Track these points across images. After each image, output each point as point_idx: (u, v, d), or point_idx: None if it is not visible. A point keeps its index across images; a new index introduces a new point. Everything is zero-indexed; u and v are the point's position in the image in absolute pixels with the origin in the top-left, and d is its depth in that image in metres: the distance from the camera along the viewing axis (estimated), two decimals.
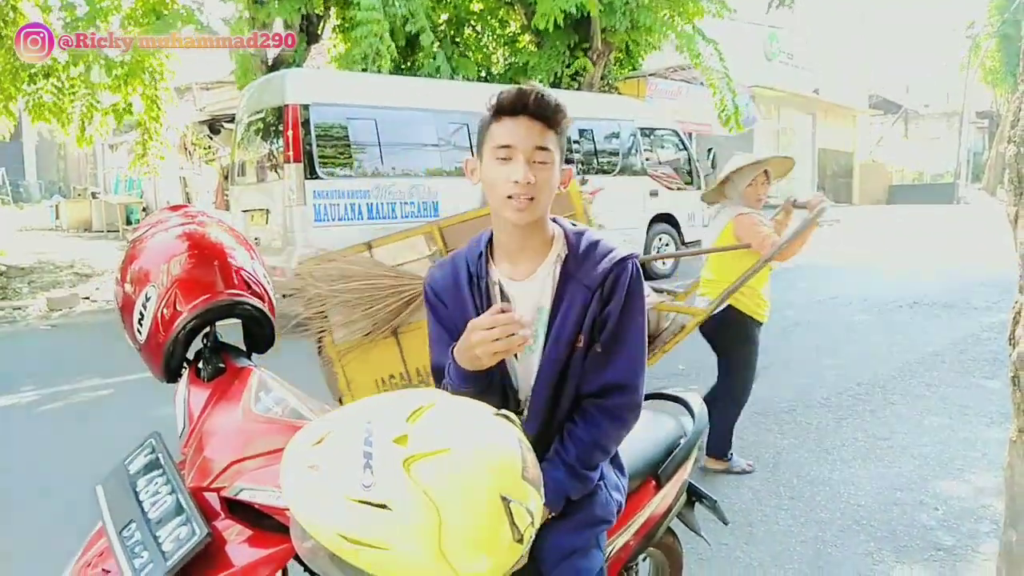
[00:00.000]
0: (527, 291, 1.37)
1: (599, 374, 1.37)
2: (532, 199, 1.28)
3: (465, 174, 1.39)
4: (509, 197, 1.28)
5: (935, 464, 3.52)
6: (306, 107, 7.02)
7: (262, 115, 7.58)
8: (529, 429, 1.33)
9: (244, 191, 8.07)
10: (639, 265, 1.38)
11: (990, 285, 8.34)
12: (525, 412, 1.41)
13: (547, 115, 1.28)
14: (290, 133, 6.91)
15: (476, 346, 1.20)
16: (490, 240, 1.41)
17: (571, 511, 1.38)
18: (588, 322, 1.34)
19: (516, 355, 1.37)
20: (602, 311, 1.34)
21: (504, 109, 1.29)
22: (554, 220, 1.42)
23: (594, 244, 1.38)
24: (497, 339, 1.18)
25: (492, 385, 1.35)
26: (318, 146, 7.06)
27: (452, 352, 1.30)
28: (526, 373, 1.39)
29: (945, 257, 10.65)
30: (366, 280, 3.12)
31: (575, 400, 1.39)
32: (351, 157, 7.43)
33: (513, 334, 1.18)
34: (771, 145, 23.42)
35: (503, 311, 1.21)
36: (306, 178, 6.94)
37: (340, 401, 3.21)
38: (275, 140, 7.32)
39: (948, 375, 5.02)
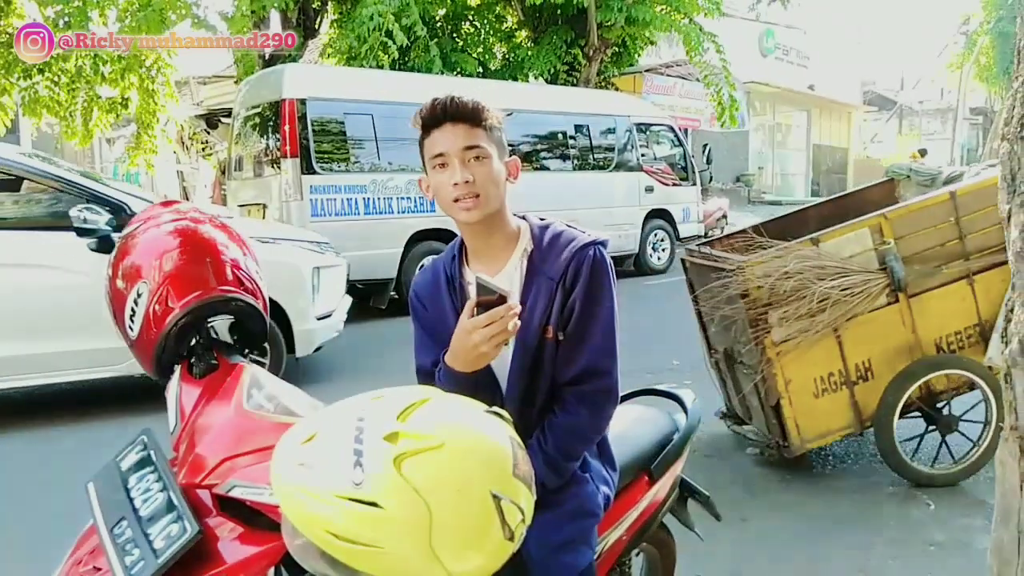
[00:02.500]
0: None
1: (571, 362, 1.38)
2: (477, 196, 1.32)
3: (421, 191, 1.44)
4: (456, 200, 1.32)
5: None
6: (303, 102, 7.00)
7: (259, 110, 7.58)
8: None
9: (241, 186, 8.06)
10: (603, 251, 1.39)
11: None
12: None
13: (467, 116, 1.32)
14: (287, 128, 6.90)
15: (481, 344, 1.21)
16: (463, 243, 1.45)
17: (557, 503, 1.38)
18: (556, 313, 1.36)
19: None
20: (567, 300, 1.36)
21: (428, 123, 1.34)
22: (522, 217, 1.44)
23: (558, 235, 1.40)
24: (496, 333, 1.20)
25: (484, 383, 1.35)
26: (315, 141, 7.05)
27: (444, 359, 1.31)
28: (501, 367, 1.40)
29: None
30: (812, 276, 3.06)
31: (551, 392, 1.40)
32: (348, 152, 7.42)
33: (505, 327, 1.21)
34: (767, 142, 23.46)
35: (501, 299, 1.21)
36: (303, 173, 6.93)
37: (777, 404, 3.18)
38: (272, 135, 7.30)
39: None
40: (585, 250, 1.37)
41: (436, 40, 10.40)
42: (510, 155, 1.41)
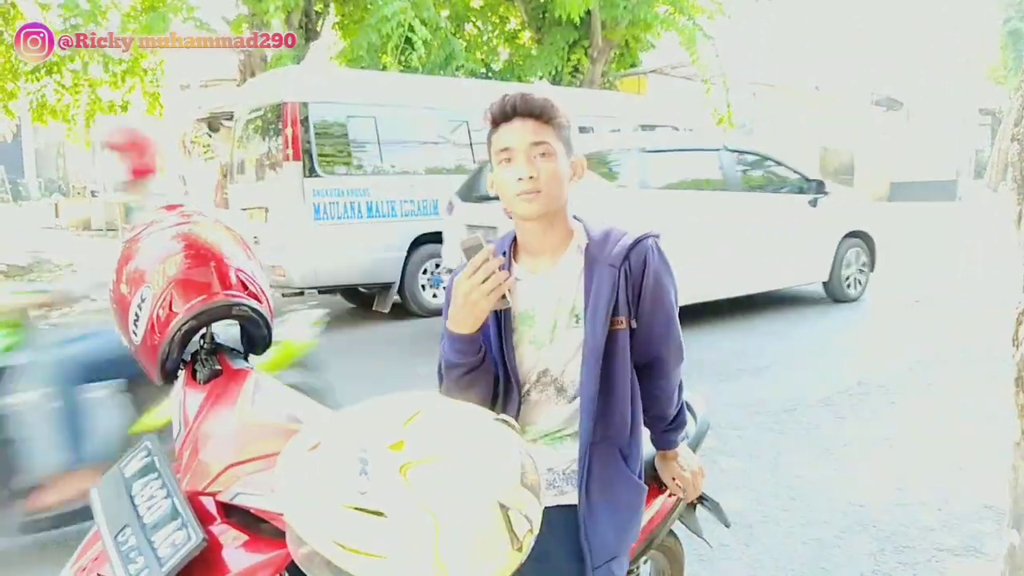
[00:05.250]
0: (549, 282, 1.41)
1: (651, 345, 1.44)
2: (540, 191, 1.33)
3: (487, 188, 1.44)
4: (517, 194, 1.33)
5: (937, 464, 3.51)
6: (305, 105, 6.99)
7: (261, 112, 7.56)
8: (584, 418, 1.37)
9: (243, 189, 8.04)
10: (659, 244, 1.43)
11: (993, 283, 8.32)
12: (527, 396, 1.43)
13: (537, 112, 1.33)
14: (289, 131, 6.87)
15: (471, 292, 1.23)
16: (514, 240, 1.46)
17: (616, 520, 1.41)
18: (623, 301, 1.38)
19: (506, 299, 1.31)
20: (635, 289, 1.39)
21: (497, 117, 1.36)
22: (575, 217, 1.45)
23: (610, 228, 1.43)
24: (485, 280, 1.22)
25: (485, 361, 1.36)
26: (317, 144, 7.03)
27: (445, 323, 1.33)
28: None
29: (947, 254, 10.64)
30: None
31: (629, 384, 1.42)
32: (350, 155, 7.39)
33: (494, 274, 1.22)
34: (772, 143, 23.41)
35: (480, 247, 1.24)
36: (305, 176, 6.91)
37: None
38: (274, 138, 7.28)
39: (950, 374, 5.01)
40: (645, 240, 1.40)
41: (439, 42, 10.39)
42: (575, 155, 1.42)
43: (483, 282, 1.21)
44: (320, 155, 7.05)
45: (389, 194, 7.45)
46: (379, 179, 7.44)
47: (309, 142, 6.95)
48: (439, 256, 7.75)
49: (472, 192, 6.68)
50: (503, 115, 1.34)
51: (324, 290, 7.98)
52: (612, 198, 5.98)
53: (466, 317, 1.27)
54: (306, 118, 6.96)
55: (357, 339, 6.93)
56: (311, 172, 6.95)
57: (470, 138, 8.05)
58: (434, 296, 7.74)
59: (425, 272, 7.69)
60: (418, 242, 7.58)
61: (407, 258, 7.49)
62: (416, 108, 7.83)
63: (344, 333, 7.27)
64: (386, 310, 7.56)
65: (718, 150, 6.87)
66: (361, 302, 8.28)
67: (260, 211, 7.45)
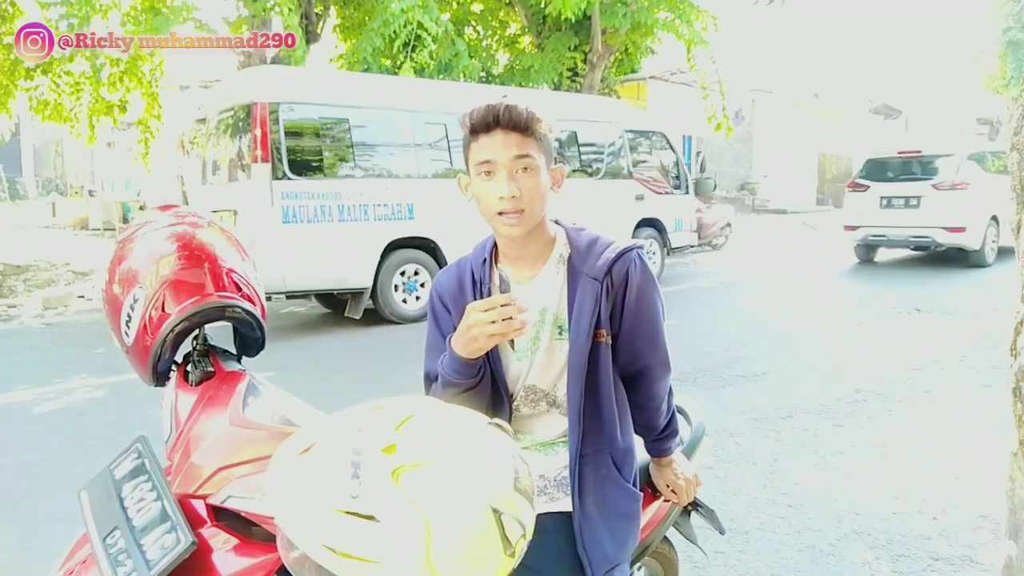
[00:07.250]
0: (531, 293, 1.38)
1: (636, 356, 1.42)
2: (522, 211, 1.29)
3: (459, 190, 1.39)
4: (500, 213, 1.29)
5: (933, 472, 3.50)
6: (275, 105, 6.81)
7: (231, 113, 7.34)
8: (572, 431, 1.37)
9: (214, 191, 7.82)
10: (643, 256, 1.41)
11: (991, 292, 8.33)
12: (517, 411, 1.43)
13: (520, 125, 1.28)
14: (258, 132, 6.69)
15: (474, 326, 1.21)
16: (495, 245, 1.43)
17: (619, 529, 1.41)
18: (604, 314, 1.35)
19: (513, 346, 1.38)
20: (617, 302, 1.37)
21: (478, 127, 1.29)
22: (555, 221, 1.44)
23: (595, 239, 1.41)
24: (494, 321, 1.19)
25: (483, 381, 1.35)
26: (288, 146, 6.85)
27: (449, 340, 1.31)
28: (517, 375, 1.40)
29: (944, 263, 10.66)
30: None
31: (614, 399, 1.40)
32: (322, 157, 7.20)
33: (511, 318, 1.19)
34: (771, 148, 23.46)
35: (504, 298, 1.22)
36: (274, 179, 6.74)
37: None
38: (243, 139, 7.09)
39: (947, 383, 5.01)
40: (629, 253, 1.37)
41: (445, 43, 10.33)
42: (555, 163, 1.39)
43: (491, 322, 1.19)
44: (290, 157, 6.87)
45: (362, 198, 7.24)
46: (351, 182, 7.24)
47: (279, 143, 6.76)
48: (413, 262, 7.58)
49: (888, 174, 10.42)
50: (484, 125, 1.28)
51: (293, 295, 7.78)
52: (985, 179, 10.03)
53: (466, 344, 1.25)
54: (276, 119, 6.77)
55: (330, 346, 6.78)
56: (281, 174, 6.78)
57: (448, 142, 7.89)
58: (417, 299, 7.61)
59: (399, 283, 7.56)
60: (392, 247, 7.42)
61: (380, 263, 7.32)
62: (391, 110, 7.65)
63: (315, 339, 7.12)
64: (358, 316, 7.38)
65: (1004, 152, 10.04)
66: (336, 307, 8.07)
67: (230, 213, 7.17)
